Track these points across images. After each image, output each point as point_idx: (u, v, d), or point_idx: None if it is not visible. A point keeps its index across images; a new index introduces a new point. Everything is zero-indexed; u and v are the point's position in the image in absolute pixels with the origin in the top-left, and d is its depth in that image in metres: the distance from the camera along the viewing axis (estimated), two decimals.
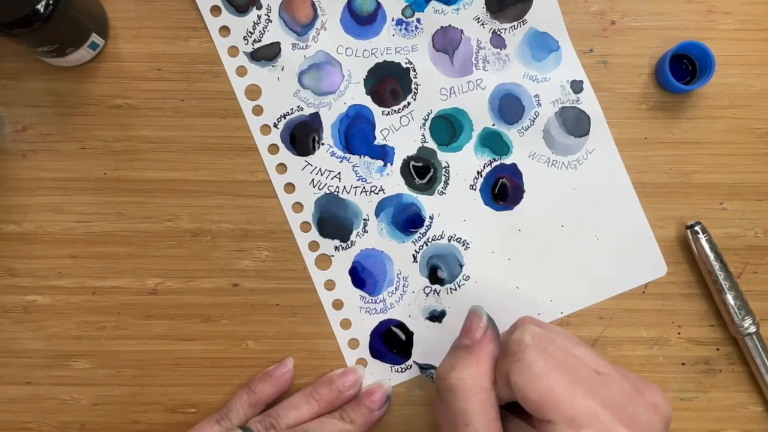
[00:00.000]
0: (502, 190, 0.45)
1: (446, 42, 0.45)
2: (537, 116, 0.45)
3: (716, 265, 0.43)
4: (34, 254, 0.45)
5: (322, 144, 0.45)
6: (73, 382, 0.45)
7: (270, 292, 0.45)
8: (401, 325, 0.45)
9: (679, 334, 0.45)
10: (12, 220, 0.45)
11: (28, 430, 0.44)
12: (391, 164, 0.45)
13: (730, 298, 0.43)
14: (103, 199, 0.45)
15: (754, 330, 0.43)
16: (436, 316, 0.45)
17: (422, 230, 0.45)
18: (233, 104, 0.45)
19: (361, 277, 0.45)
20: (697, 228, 0.44)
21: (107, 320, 0.45)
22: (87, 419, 0.45)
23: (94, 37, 0.42)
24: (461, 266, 0.45)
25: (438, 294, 0.45)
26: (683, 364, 0.45)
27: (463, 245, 0.45)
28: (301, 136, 0.45)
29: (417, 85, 0.45)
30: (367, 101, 0.45)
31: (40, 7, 0.36)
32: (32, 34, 0.37)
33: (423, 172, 0.45)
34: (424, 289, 0.45)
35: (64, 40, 0.40)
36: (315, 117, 0.45)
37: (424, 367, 0.42)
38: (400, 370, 0.45)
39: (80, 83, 0.44)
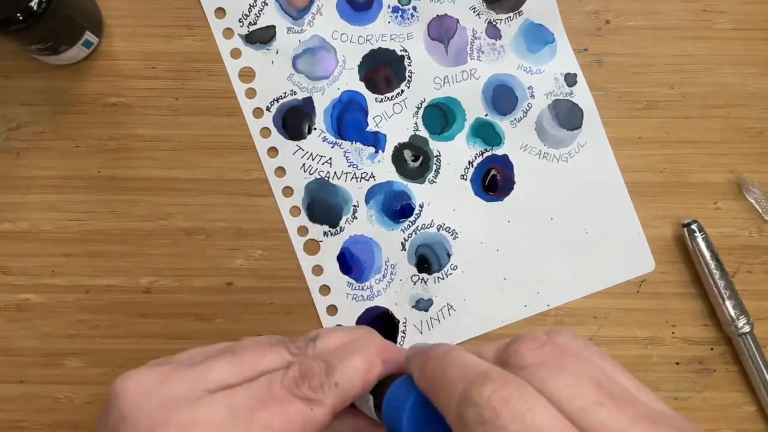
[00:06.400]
0: (493, 180, 0.45)
1: (442, 31, 0.45)
2: (530, 108, 0.45)
3: (712, 264, 0.43)
4: (27, 252, 0.44)
5: (315, 129, 0.45)
6: (67, 381, 0.44)
7: (264, 291, 0.45)
8: (387, 313, 0.45)
9: (673, 333, 0.45)
10: (6, 218, 0.44)
11: (21, 428, 0.44)
12: (383, 151, 0.45)
13: (725, 297, 0.43)
14: (97, 198, 0.45)
15: (749, 330, 0.43)
16: (423, 305, 0.45)
17: (411, 218, 0.45)
18: (227, 102, 0.45)
19: (349, 263, 0.45)
20: (693, 226, 0.44)
21: (101, 319, 0.44)
22: (80, 418, 0.44)
23: (88, 35, 0.42)
24: (449, 255, 0.45)
25: (425, 283, 0.45)
26: (677, 363, 0.45)
27: (452, 235, 0.45)
28: (294, 120, 0.45)
29: (411, 73, 0.45)
30: (361, 88, 0.45)
31: (33, 4, 0.36)
32: (25, 31, 0.37)
33: (414, 160, 0.45)
34: (411, 278, 0.45)
35: (57, 38, 0.40)
36: (308, 102, 0.45)
37: None
38: None
39: (74, 81, 0.44)
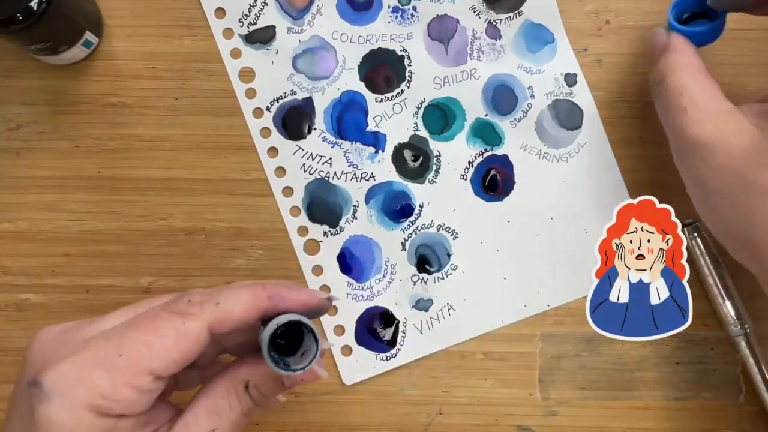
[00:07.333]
0: (493, 181, 0.45)
1: (442, 31, 0.45)
2: (530, 108, 0.45)
3: (712, 264, 0.43)
4: (27, 252, 0.44)
5: (315, 129, 0.45)
6: None
7: None
8: (387, 313, 0.45)
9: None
10: (6, 218, 0.45)
11: None
12: (383, 151, 0.45)
13: (724, 297, 0.43)
14: (97, 198, 0.45)
15: (749, 330, 0.43)
16: (423, 305, 0.45)
17: (411, 218, 0.45)
18: (228, 102, 0.45)
19: (349, 263, 0.45)
20: (693, 226, 0.44)
21: None
22: None
23: (88, 35, 0.42)
24: (449, 255, 0.45)
25: (425, 283, 0.45)
26: (677, 363, 0.45)
27: (452, 235, 0.45)
28: (294, 120, 0.45)
29: (411, 72, 0.45)
30: (361, 88, 0.45)
31: (33, 4, 0.36)
32: (25, 31, 0.37)
33: (414, 160, 0.45)
34: (411, 278, 0.45)
35: (57, 38, 0.40)
36: (308, 102, 0.45)
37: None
38: (385, 358, 0.44)
39: (74, 81, 0.44)
